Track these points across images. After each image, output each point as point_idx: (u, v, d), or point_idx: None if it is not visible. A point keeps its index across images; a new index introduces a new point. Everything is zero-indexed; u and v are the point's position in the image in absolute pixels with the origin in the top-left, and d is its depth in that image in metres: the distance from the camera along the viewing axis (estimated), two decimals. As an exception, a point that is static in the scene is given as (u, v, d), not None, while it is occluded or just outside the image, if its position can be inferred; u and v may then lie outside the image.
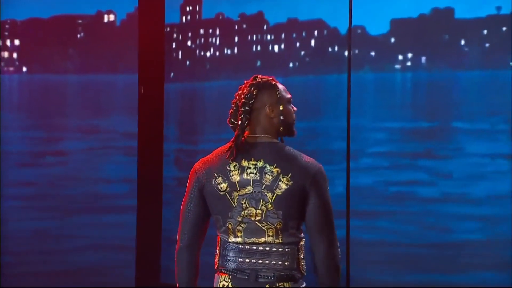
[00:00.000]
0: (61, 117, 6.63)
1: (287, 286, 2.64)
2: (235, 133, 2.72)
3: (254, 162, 2.69)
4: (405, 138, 6.15)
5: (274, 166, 2.64)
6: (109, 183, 6.61)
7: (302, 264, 2.71)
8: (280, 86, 2.82)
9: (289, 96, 2.86)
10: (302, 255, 2.72)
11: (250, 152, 2.71)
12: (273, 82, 2.81)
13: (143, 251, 6.49)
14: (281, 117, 2.75)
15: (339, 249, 2.71)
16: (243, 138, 2.72)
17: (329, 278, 2.70)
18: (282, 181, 2.62)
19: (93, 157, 6.61)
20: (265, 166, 2.66)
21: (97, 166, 6.59)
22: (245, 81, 2.82)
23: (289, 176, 2.63)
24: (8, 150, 6.50)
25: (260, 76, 2.81)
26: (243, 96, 2.75)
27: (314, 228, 2.66)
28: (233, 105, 2.79)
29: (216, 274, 2.77)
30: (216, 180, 2.70)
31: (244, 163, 2.69)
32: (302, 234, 2.73)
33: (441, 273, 5.79)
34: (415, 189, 5.95)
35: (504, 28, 5.78)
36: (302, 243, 2.73)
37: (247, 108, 2.73)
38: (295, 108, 2.89)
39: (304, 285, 2.72)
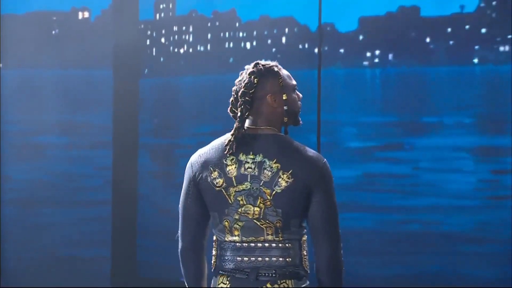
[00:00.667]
0: (37, 111, 6.56)
1: (290, 284, 2.47)
2: (235, 124, 2.48)
3: (252, 156, 2.48)
4: (375, 132, 6.17)
5: (274, 162, 2.44)
6: (85, 177, 6.56)
7: (305, 261, 2.53)
8: (284, 73, 2.58)
9: (293, 83, 2.61)
10: (305, 251, 2.55)
11: (249, 145, 2.49)
12: (276, 69, 2.56)
13: (119, 245, 6.41)
14: (285, 107, 2.52)
15: (342, 251, 2.56)
16: (243, 130, 2.48)
17: (332, 280, 2.53)
18: (282, 178, 2.43)
19: (68, 151, 6.54)
20: (264, 161, 2.46)
21: (72, 160, 6.53)
22: (246, 67, 2.56)
23: (289, 172, 2.43)
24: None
25: (262, 62, 2.55)
26: (243, 84, 2.49)
27: (318, 228, 2.49)
28: (233, 93, 2.54)
29: (213, 277, 2.59)
30: (212, 174, 2.51)
31: (242, 157, 2.48)
32: (305, 230, 2.55)
33: (410, 255, 5.79)
34: (386, 181, 5.99)
35: (467, 26, 5.87)
36: (305, 238, 2.55)
37: (247, 98, 2.48)
38: (300, 95, 2.64)
39: (308, 283, 2.54)
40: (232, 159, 2.46)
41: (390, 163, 6.12)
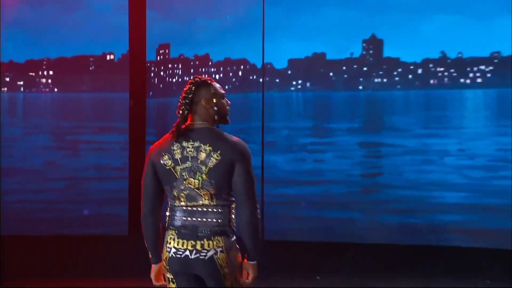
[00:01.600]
0: (80, 121, 7.19)
1: (221, 240, 2.65)
2: (177, 120, 2.72)
3: (192, 143, 2.66)
4: (300, 133, 7.18)
5: (208, 145, 2.64)
6: (109, 166, 7.06)
7: (233, 222, 2.71)
8: (215, 85, 2.78)
9: (222, 92, 2.79)
10: (233, 215, 2.71)
11: (189, 135, 2.67)
12: (209, 81, 2.77)
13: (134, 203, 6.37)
14: (215, 108, 2.71)
15: (258, 211, 2.69)
16: (185, 125, 2.70)
17: (251, 234, 2.67)
18: (213, 157, 2.62)
19: (102, 148, 7.16)
20: (200, 146, 2.65)
21: (104, 154, 7.12)
22: (188, 80, 2.79)
23: (218, 152, 2.62)
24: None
25: (198, 76, 2.79)
26: (185, 92, 2.73)
27: (240, 193, 2.64)
28: (180, 99, 2.72)
29: (166, 231, 2.75)
30: (163, 157, 2.68)
31: (185, 144, 2.66)
32: (233, 199, 2.70)
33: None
34: (305, 166, 7.02)
35: (355, 66, 7.04)
36: (233, 206, 2.71)
37: (187, 101, 2.70)
38: (229, 102, 2.83)
39: (234, 238, 2.70)
40: (178, 145, 2.66)
41: (311, 154, 7.09)
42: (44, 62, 7.14)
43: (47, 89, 7.20)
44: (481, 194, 6.57)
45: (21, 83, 7.16)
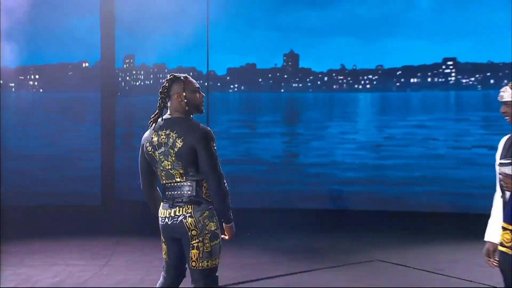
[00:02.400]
0: (64, 116, 7.35)
1: (191, 208, 2.62)
2: (156, 112, 2.70)
3: (164, 131, 2.63)
4: (236, 125, 7.63)
5: (174, 133, 2.60)
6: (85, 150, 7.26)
7: (205, 194, 2.64)
8: (188, 80, 2.70)
9: (195, 86, 2.70)
10: (204, 188, 2.64)
11: (164, 125, 2.65)
12: (182, 77, 2.69)
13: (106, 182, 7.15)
14: (185, 101, 2.63)
15: (225, 182, 2.59)
16: (161, 116, 2.68)
17: (221, 201, 2.61)
18: (178, 142, 2.59)
19: (79, 139, 7.35)
20: (170, 133, 2.61)
21: (82, 141, 7.33)
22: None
23: (182, 138, 2.58)
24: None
25: (174, 73, 2.72)
26: (161, 87, 2.68)
27: (205, 171, 2.58)
28: (159, 94, 2.69)
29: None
30: (146, 144, 2.69)
31: (160, 132, 2.64)
32: (201, 175, 2.63)
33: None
34: (240, 148, 7.44)
35: (278, 74, 7.58)
36: (204, 180, 2.64)
37: (162, 95, 2.66)
38: (202, 94, 2.73)
39: (207, 207, 2.63)
40: (155, 134, 2.65)
41: (245, 139, 7.55)
42: (31, 68, 7.40)
43: (35, 90, 7.46)
44: (372, 170, 7.11)
45: (12, 84, 7.34)
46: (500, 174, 2.45)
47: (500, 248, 2.51)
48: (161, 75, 7.68)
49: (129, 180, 7.18)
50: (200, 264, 2.63)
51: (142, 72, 7.76)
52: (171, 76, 2.72)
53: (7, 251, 5.08)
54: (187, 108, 2.68)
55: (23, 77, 7.51)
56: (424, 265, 4.66)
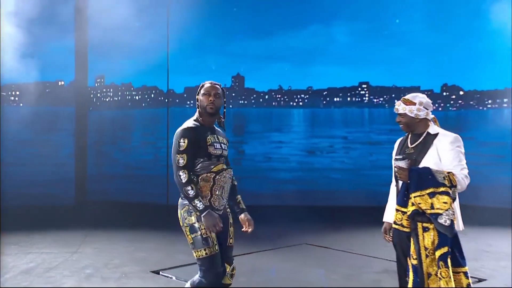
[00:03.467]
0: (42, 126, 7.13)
1: (179, 203, 2.50)
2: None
3: None
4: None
5: None
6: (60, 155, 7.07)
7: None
8: (202, 86, 2.57)
9: (202, 91, 2.53)
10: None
11: None
12: (202, 84, 2.58)
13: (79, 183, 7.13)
14: (197, 102, 2.52)
15: (178, 174, 2.37)
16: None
17: (180, 193, 2.46)
18: None
19: (55, 147, 7.17)
20: None
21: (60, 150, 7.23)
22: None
23: None
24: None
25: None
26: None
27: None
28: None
29: None
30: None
31: None
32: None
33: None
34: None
35: (227, 92, 7.44)
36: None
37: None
38: (210, 99, 2.50)
39: (185, 201, 2.45)
40: None
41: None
42: (13, 86, 7.27)
43: (15, 104, 7.35)
44: (304, 170, 7.29)
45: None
46: (395, 167, 2.57)
47: (393, 226, 2.65)
48: (127, 93, 7.71)
49: (100, 183, 7.39)
50: (193, 254, 2.48)
51: (111, 90, 7.75)
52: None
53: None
54: (199, 109, 2.60)
55: (5, 93, 7.30)
56: (341, 246, 4.87)
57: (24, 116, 7.10)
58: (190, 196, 2.42)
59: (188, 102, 7.66)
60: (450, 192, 2.44)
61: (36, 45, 6.95)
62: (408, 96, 2.73)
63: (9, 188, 6.64)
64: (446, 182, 2.46)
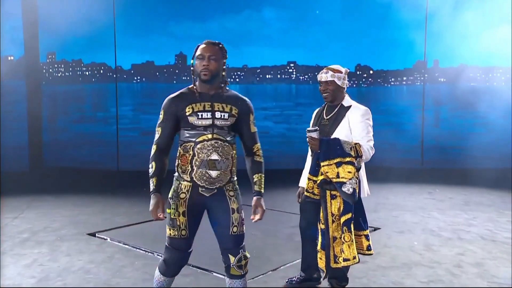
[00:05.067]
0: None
1: None
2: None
3: None
4: (141, 108, 7.00)
5: None
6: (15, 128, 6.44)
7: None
8: (197, 47, 1.95)
9: (196, 54, 1.93)
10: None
11: None
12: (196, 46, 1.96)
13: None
14: (191, 68, 1.93)
15: (151, 152, 1.88)
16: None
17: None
18: None
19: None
20: None
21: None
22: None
23: None
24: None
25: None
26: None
27: None
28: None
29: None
30: None
31: None
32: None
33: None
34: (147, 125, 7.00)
35: (171, 69, 7.06)
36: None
37: None
38: (204, 63, 1.88)
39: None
40: None
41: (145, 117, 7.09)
42: None
43: None
44: None
45: None
46: (307, 137, 2.36)
47: (305, 193, 2.49)
48: (78, 68, 7.08)
49: (55, 152, 6.83)
50: None
51: (62, 66, 7.08)
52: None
53: None
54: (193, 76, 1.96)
55: None
56: (267, 205, 4.66)
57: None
58: (149, 173, 1.91)
59: (135, 78, 7.14)
60: (355, 162, 2.29)
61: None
62: (333, 66, 2.48)
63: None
64: (352, 153, 2.29)
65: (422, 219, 4.18)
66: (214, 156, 1.86)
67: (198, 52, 1.92)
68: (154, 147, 1.92)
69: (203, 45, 1.93)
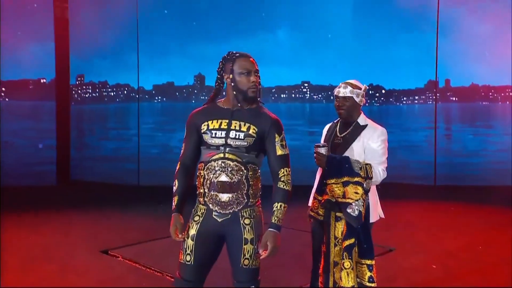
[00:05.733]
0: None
1: None
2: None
3: None
4: (160, 126, 6.87)
5: None
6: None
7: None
8: (232, 59, 1.68)
9: (236, 69, 1.65)
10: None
11: None
12: (228, 57, 1.70)
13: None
14: (228, 80, 1.67)
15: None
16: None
17: None
18: None
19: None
20: None
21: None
22: None
23: None
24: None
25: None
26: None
27: None
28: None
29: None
30: None
31: None
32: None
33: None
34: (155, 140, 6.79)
35: (190, 89, 6.90)
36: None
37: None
38: (252, 79, 1.65)
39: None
40: None
41: (163, 134, 7.21)
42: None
43: (1, 99, 6.54)
44: None
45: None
46: (315, 153, 2.06)
47: (310, 213, 2.20)
48: (104, 89, 7.05)
49: (81, 167, 6.81)
50: None
51: (89, 87, 7.08)
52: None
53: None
54: (234, 92, 1.65)
55: None
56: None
57: (8, 108, 6.34)
58: (173, 191, 1.69)
59: (156, 98, 7.00)
60: (364, 183, 1.99)
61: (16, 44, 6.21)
62: (352, 81, 2.20)
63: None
64: (362, 173, 2.01)
65: (438, 239, 3.80)
66: (223, 178, 1.60)
67: (240, 67, 1.63)
68: (178, 165, 1.71)
69: (244, 59, 1.65)
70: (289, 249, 3.45)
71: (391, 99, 6.93)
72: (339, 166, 2.00)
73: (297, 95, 7.08)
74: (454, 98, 6.71)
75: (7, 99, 6.55)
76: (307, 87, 7.05)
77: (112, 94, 6.97)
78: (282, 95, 7.18)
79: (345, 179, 1.98)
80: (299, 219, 4.05)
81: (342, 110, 2.14)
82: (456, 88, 6.67)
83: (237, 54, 1.65)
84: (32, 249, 3.40)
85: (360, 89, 2.15)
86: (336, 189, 2.00)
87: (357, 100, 2.13)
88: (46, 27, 6.47)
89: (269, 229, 1.63)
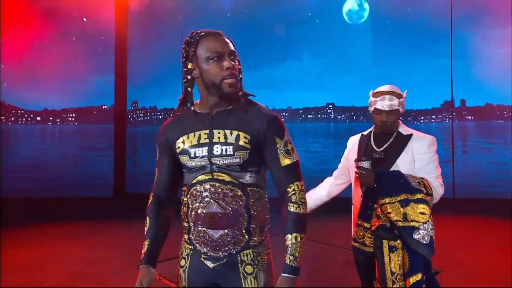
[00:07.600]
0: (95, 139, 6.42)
1: None
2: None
3: None
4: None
5: None
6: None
7: None
8: (197, 40, 1.04)
9: (203, 53, 1.03)
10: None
11: None
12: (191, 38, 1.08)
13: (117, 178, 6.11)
14: (195, 73, 1.09)
15: None
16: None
17: None
18: None
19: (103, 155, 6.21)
20: None
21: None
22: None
23: None
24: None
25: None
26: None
27: None
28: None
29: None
30: None
31: None
32: None
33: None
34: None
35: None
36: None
37: None
38: (226, 64, 1.02)
39: None
40: None
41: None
42: (70, 109, 6.37)
43: (71, 123, 6.44)
44: None
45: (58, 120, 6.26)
46: (357, 168, 1.48)
47: (353, 243, 1.57)
48: (153, 113, 6.86)
49: (135, 181, 6.33)
50: None
51: (142, 112, 6.90)
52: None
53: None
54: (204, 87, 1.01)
55: (65, 115, 6.44)
56: (309, 236, 3.62)
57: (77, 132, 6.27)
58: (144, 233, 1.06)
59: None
60: (428, 200, 1.38)
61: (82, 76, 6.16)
62: (394, 89, 1.62)
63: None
64: (422, 188, 1.41)
65: (483, 259, 2.98)
66: (214, 208, 0.96)
67: (207, 50, 0.95)
68: (150, 197, 1.08)
69: (212, 38, 0.95)
70: (328, 268, 2.62)
71: (409, 118, 6.39)
72: (392, 182, 1.41)
73: (323, 116, 6.73)
74: (469, 117, 6.12)
75: (76, 123, 6.43)
76: (331, 108, 6.67)
77: (160, 117, 6.78)
78: (309, 116, 6.79)
79: (403, 197, 1.38)
80: (333, 233, 3.22)
81: (387, 125, 1.56)
82: (471, 108, 6.08)
83: (202, 33, 0.97)
84: (74, 264, 2.94)
85: (403, 97, 1.59)
86: (392, 210, 1.38)
87: (402, 110, 1.57)
88: (108, 63, 6.38)
89: (283, 274, 0.95)
